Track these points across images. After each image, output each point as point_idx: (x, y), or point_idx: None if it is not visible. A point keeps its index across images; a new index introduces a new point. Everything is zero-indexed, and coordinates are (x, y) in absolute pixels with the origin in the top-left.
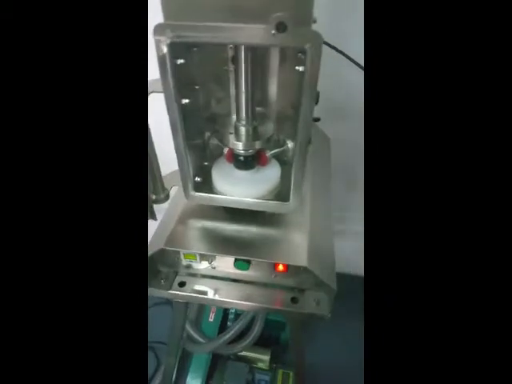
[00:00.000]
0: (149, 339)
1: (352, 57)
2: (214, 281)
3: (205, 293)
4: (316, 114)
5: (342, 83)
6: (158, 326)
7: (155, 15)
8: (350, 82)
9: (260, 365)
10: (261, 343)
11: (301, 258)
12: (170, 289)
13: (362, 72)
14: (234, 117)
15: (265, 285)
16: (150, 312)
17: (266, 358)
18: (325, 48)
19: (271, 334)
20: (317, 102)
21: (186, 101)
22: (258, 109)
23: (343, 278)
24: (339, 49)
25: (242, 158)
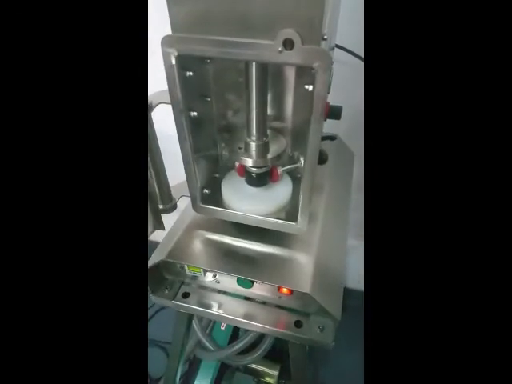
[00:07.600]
0: (162, 340)
1: None
2: (218, 295)
3: (208, 306)
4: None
5: None
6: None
7: (164, 26)
8: None
9: (268, 379)
10: (271, 357)
11: (303, 284)
12: (174, 299)
13: None
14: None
15: (270, 304)
16: (166, 312)
17: (275, 373)
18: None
19: (283, 348)
20: (339, 118)
21: (195, 113)
22: (275, 123)
23: (361, 295)
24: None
25: (253, 174)
